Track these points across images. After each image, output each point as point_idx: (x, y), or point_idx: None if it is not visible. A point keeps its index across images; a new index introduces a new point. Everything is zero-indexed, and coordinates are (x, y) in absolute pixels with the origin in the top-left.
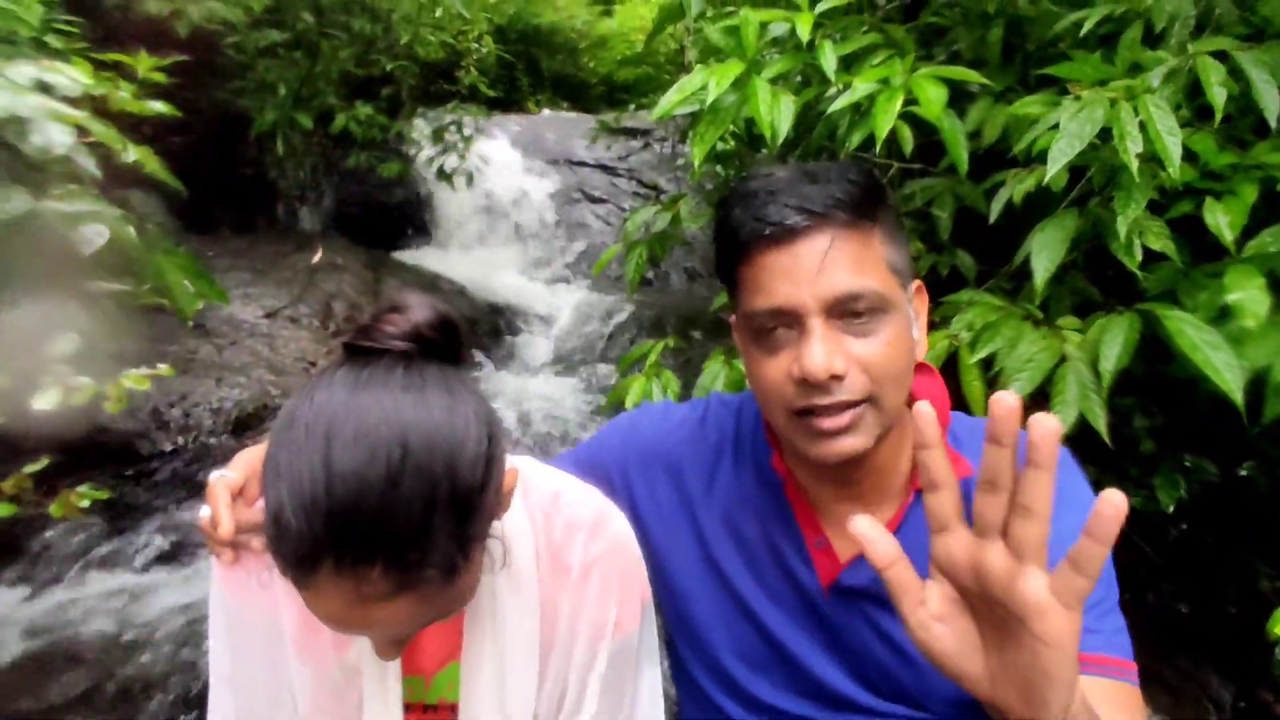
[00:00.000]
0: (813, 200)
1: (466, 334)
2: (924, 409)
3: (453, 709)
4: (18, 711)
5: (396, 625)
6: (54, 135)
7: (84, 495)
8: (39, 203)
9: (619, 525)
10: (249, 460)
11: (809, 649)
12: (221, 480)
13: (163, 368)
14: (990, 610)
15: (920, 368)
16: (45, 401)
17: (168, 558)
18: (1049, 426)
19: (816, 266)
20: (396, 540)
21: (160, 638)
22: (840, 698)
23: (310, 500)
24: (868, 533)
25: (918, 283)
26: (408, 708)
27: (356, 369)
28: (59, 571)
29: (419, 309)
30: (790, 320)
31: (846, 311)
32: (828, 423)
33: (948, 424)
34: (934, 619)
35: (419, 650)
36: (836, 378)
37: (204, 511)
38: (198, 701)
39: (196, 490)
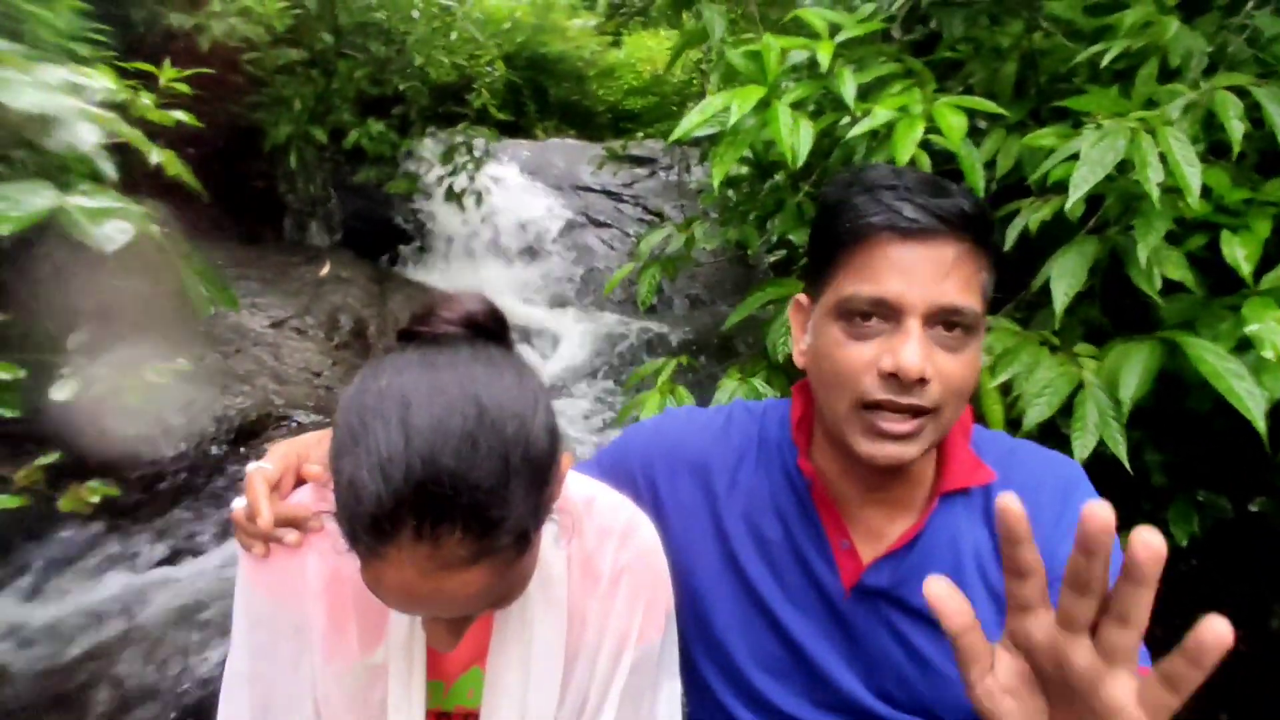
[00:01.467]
0: (948, 210)
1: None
2: (1011, 503)
3: (468, 717)
4: (15, 714)
5: (464, 600)
6: (83, 134)
7: (94, 490)
8: (64, 198)
9: (648, 534)
10: (284, 454)
11: (828, 654)
12: (259, 472)
13: (182, 363)
14: (1065, 698)
15: None
16: (62, 392)
17: (168, 563)
18: (1154, 545)
19: (936, 273)
20: (476, 499)
21: (160, 643)
22: (857, 707)
23: (389, 460)
24: (942, 595)
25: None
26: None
27: (422, 348)
28: (60, 575)
29: (470, 300)
30: (890, 314)
31: (945, 323)
32: (892, 425)
33: (970, 432)
34: (1002, 691)
35: (443, 654)
36: (922, 381)
37: (237, 503)
38: (196, 707)
39: (198, 497)
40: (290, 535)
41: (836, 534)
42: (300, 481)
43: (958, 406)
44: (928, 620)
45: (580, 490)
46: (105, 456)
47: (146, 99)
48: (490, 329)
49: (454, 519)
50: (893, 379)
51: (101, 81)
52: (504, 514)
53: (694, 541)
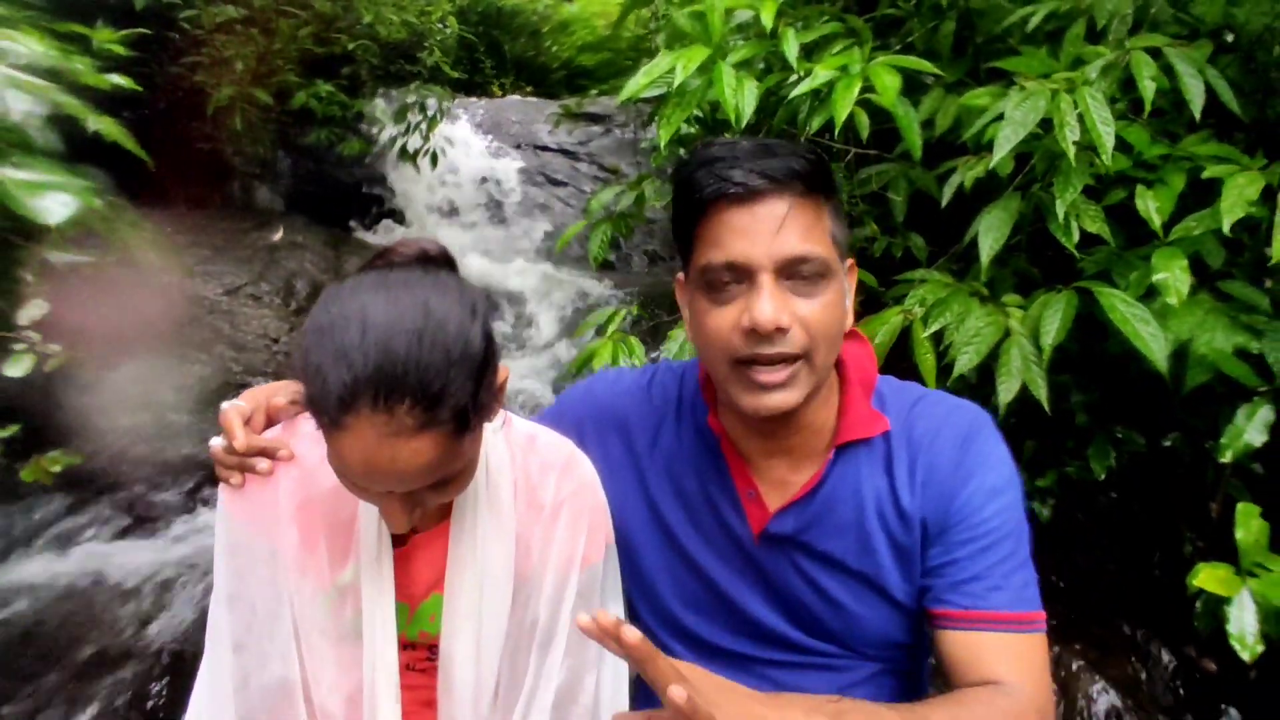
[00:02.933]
0: (774, 169)
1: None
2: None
3: (431, 648)
4: None
5: (416, 470)
6: (11, 102)
7: (55, 460)
8: None
9: (587, 468)
10: (253, 394)
11: (744, 593)
12: (233, 408)
13: (135, 332)
14: None
15: (851, 334)
16: (17, 369)
17: (129, 531)
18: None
19: (773, 228)
20: (422, 378)
21: (122, 610)
22: (775, 635)
23: (351, 349)
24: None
25: (851, 261)
26: None
27: (380, 271)
28: (24, 546)
29: (425, 242)
30: (742, 275)
31: (794, 273)
32: (765, 376)
33: (874, 385)
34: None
35: (409, 574)
36: (781, 330)
37: (215, 441)
38: (161, 671)
39: (158, 466)
40: (263, 464)
41: (744, 484)
42: (270, 423)
43: (829, 349)
44: (834, 563)
45: (523, 429)
46: (64, 427)
47: (81, 63)
48: (440, 261)
49: (403, 392)
50: (754, 334)
51: (29, 45)
52: (445, 391)
53: (622, 495)
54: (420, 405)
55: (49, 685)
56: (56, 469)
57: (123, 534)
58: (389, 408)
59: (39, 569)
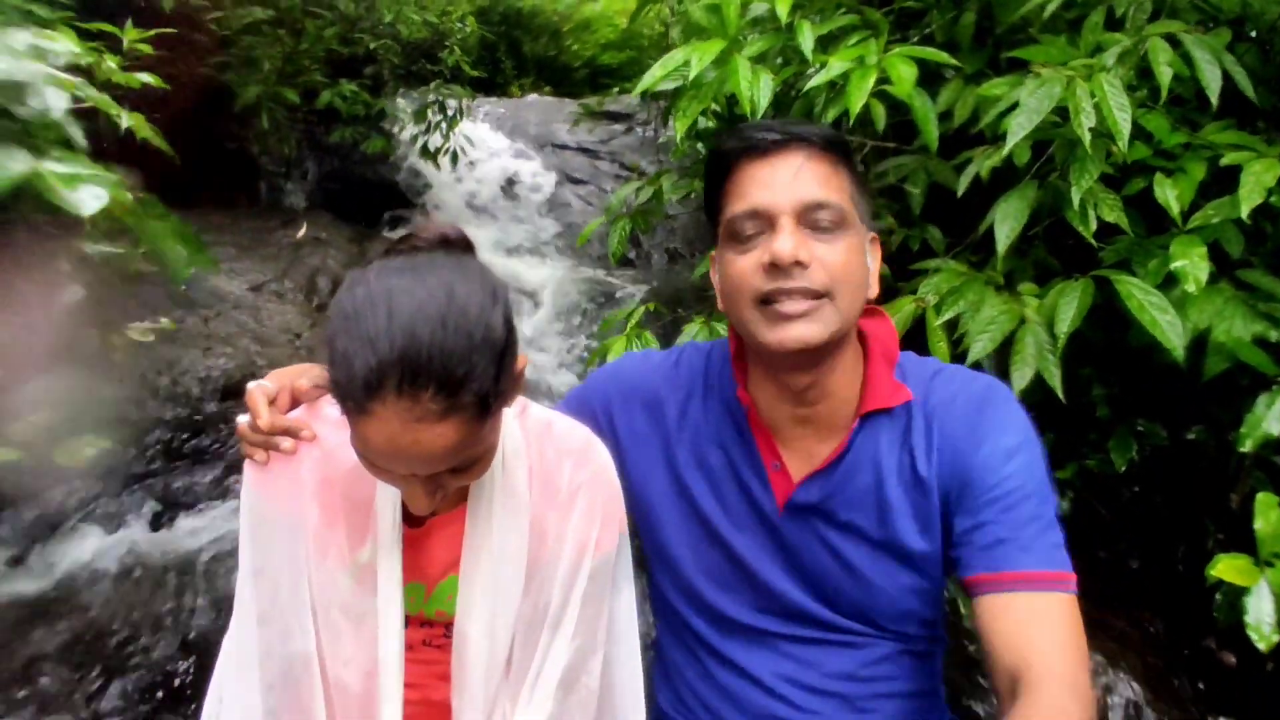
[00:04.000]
0: (792, 128)
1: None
2: None
3: (447, 626)
4: (11, 664)
5: (439, 453)
6: (52, 99)
7: (89, 443)
8: (40, 163)
9: (603, 455)
10: (279, 375)
11: (769, 567)
12: (259, 388)
13: (165, 321)
14: None
15: (871, 310)
16: (58, 355)
17: (158, 521)
18: None
19: (791, 175)
20: (446, 364)
21: (150, 594)
22: (799, 611)
23: (377, 335)
24: None
25: (874, 235)
26: (406, 620)
27: (404, 255)
28: (52, 535)
29: (445, 227)
30: (764, 222)
31: (813, 221)
32: (789, 306)
33: (896, 359)
34: None
35: (426, 555)
36: (800, 264)
37: (241, 419)
38: (186, 653)
39: (183, 457)
40: (286, 443)
41: (770, 456)
42: (295, 404)
43: (851, 296)
44: (855, 532)
45: (540, 415)
46: (94, 416)
47: (111, 62)
48: (460, 246)
49: (428, 378)
50: (775, 268)
51: (65, 44)
52: (468, 377)
53: (647, 469)
54: (444, 391)
55: (79, 665)
56: (90, 452)
57: (151, 521)
58: (414, 394)
59: (70, 553)
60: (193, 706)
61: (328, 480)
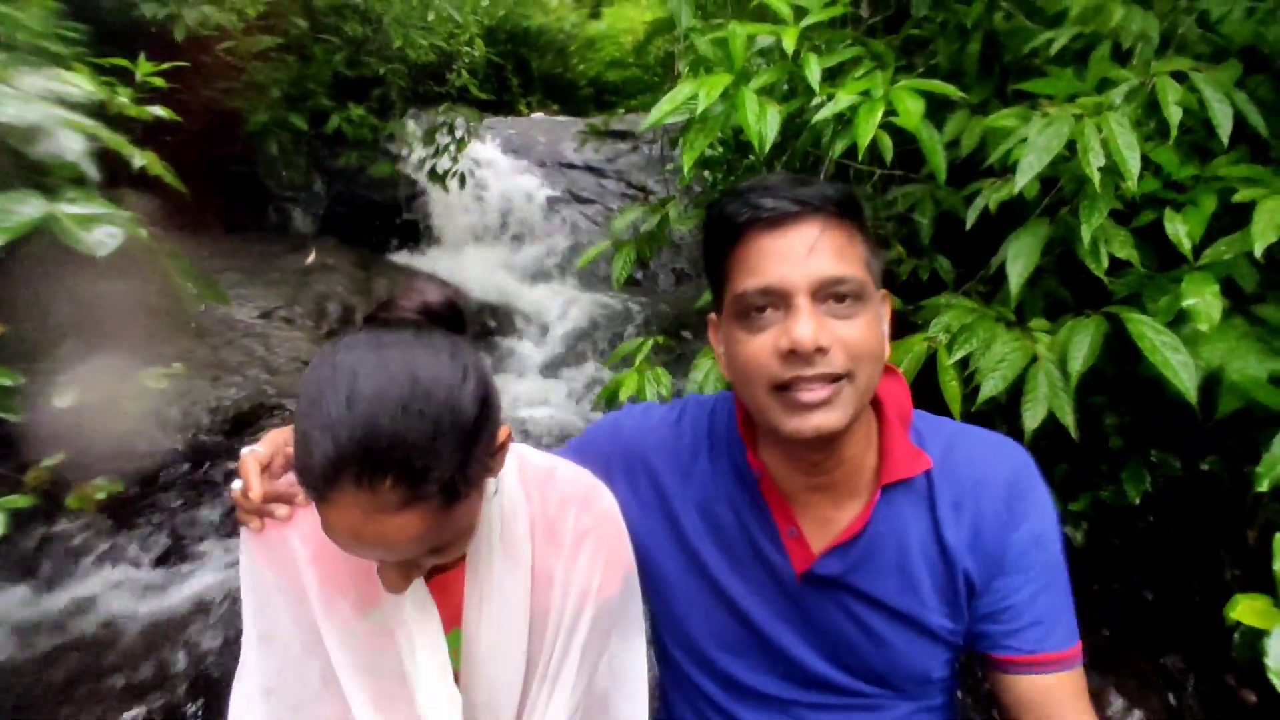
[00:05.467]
0: (806, 195)
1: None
2: None
3: (455, 678)
4: (24, 700)
5: (404, 543)
6: (65, 142)
7: (99, 488)
8: (54, 206)
9: (607, 499)
10: (273, 439)
11: (784, 633)
12: (252, 454)
13: (178, 366)
14: None
15: (884, 368)
16: (65, 399)
17: (169, 554)
18: None
19: (807, 250)
20: (406, 455)
21: (157, 633)
22: (815, 677)
23: (336, 422)
24: None
25: (884, 291)
26: None
27: (374, 331)
28: (63, 568)
29: (429, 291)
30: (779, 300)
31: (831, 295)
32: (808, 395)
33: (910, 420)
34: None
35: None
36: (821, 350)
37: (235, 484)
38: (197, 691)
39: (195, 487)
40: (280, 510)
41: (785, 522)
42: (289, 467)
43: (872, 371)
44: (877, 603)
45: (542, 462)
46: (104, 452)
47: (123, 95)
48: (443, 315)
49: (386, 470)
50: (793, 355)
51: (80, 83)
52: (430, 467)
53: (653, 533)
54: (404, 482)
55: (87, 701)
56: (100, 496)
57: (159, 556)
58: (372, 485)
59: (75, 592)
60: None
61: (326, 545)
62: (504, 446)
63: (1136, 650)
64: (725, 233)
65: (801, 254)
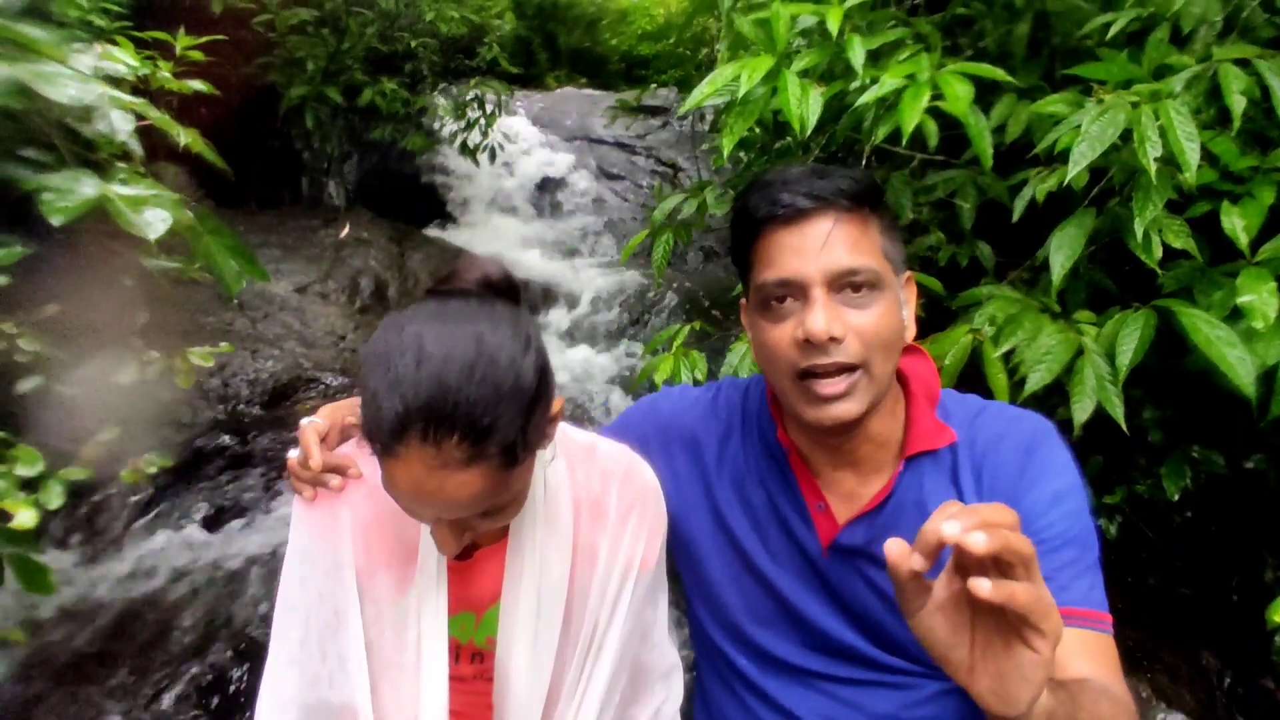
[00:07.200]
0: (820, 189)
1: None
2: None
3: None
4: (76, 661)
5: (464, 500)
6: (117, 122)
7: (151, 463)
8: (107, 186)
9: (647, 473)
10: (330, 412)
11: (812, 605)
12: (311, 425)
13: (224, 345)
14: (993, 612)
15: (910, 349)
16: (124, 375)
17: (211, 521)
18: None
19: (821, 244)
20: (471, 413)
21: (202, 598)
22: (843, 648)
23: (404, 380)
24: (895, 552)
25: (909, 274)
26: (458, 651)
27: (440, 300)
28: (112, 536)
29: (487, 264)
30: (796, 291)
31: (845, 285)
32: (826, 388)
33: (937, 397)
34: (935, 608)
35: (473, 585)
36: (835, 340)
37: (292, 453)
38: (239, 655)
39: (236, 459)
40: (334, 480)
41: (812, 497)
42: (344, 439)
43: (886, 359)
44: None
45: (582, 440)
46: (151, 424)
47: (164, 69)
48: (501, 288)
49: (452, 427)
50: (809, 345)
51: (125, 58)
52: (493, 427)
53: (689, 508)
54: (468, 440)
55: (134, 667)
56: (153, 470)
57: (203, 522)
58: (437, 441)
59: (126, 559)
60: (244, 706)
61: (376, 518)
62: (557, 417)
63: (1169, 646)
64: (747, 226)
65: (815, 248)
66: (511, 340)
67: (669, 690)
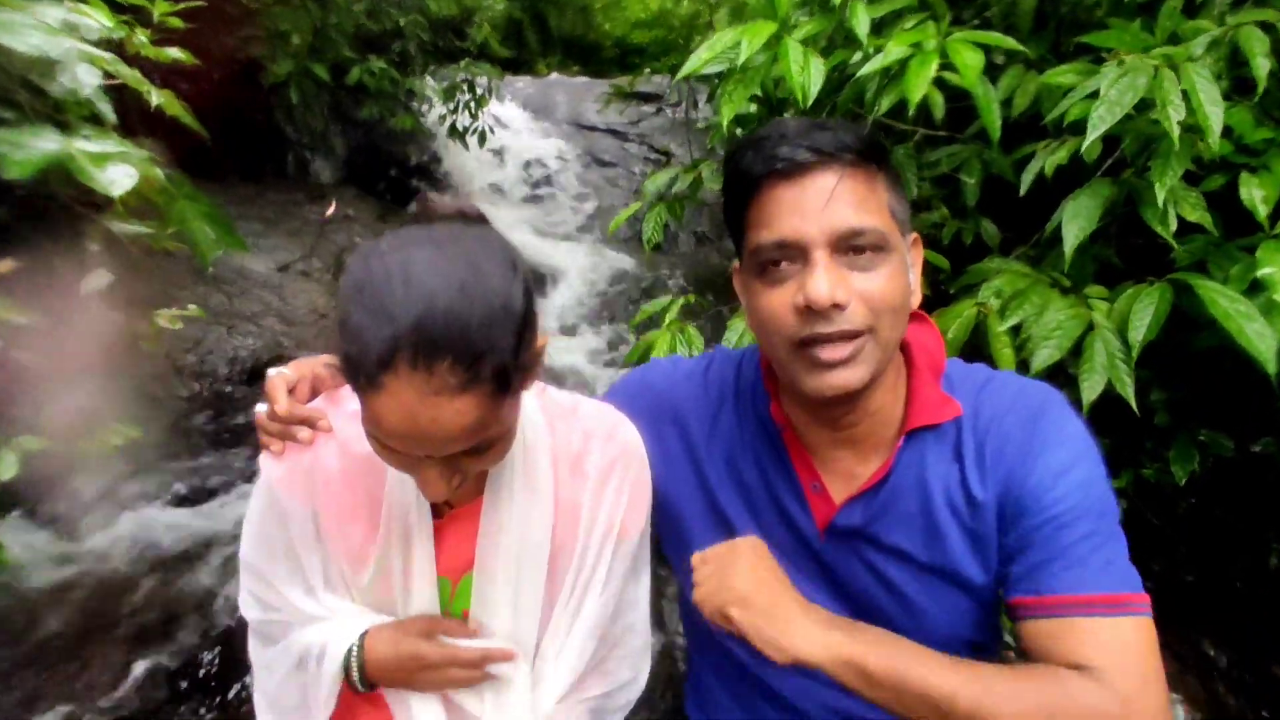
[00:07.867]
0: (822, 142)
1: None
2: None
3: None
4: (45, 638)
5: (458, 431)
6: (83, 76)
7: (116, 432)
8: (69, 142)
9: (631, 433)
10: (299, 365)
11: (807, 588)
12: (279, 375)
13: (192, 308)
14: None
15: (915, 316)
16: (88, 340)
17: (185, 500)
18: None
19: (824, 201)
20: (464, 334)
21: (175, 578)
22: None
23: (392, 305)
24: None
25: (915, 235)
26: None
27: (423, 225)
28: (83, 512)
29: (460, 203)
30: (795, 253)
31: (849, 247)
32: (828, 353)
33: (942, 369)
34: None
35: (446, 550)
36: (838, 307)
37: (259, 408)
38: (216, 634)
39: (211, 437)
40: (303, 433)
41: (808, 476)
42: (315, 394)
43: (893, 324)
44: (902, 556)
45: (563, 399)
46: (123, 402)
47: (141, 35)
48: (476, 222)
49: (446, 349)
50: (810, 312)
51: (97, 18)
52: (486, 351)
53: (679, 486)
54: (463, 362)
55: (103, 647)
56: (117, 441)
57: (179, 500)
58: (430, 365)
59: (98, 537)
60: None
61: (345, 474)
62: (543, 351)
63: (1173, 632)
64: (742, 183)
65: (818, 205)
66: (501, 263)
67: (635, 675)
